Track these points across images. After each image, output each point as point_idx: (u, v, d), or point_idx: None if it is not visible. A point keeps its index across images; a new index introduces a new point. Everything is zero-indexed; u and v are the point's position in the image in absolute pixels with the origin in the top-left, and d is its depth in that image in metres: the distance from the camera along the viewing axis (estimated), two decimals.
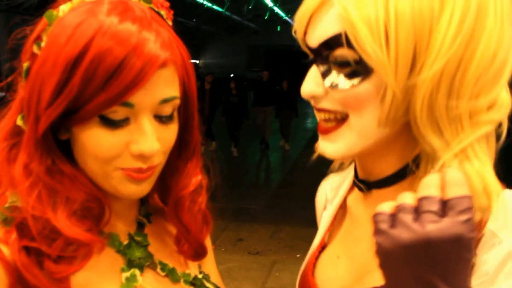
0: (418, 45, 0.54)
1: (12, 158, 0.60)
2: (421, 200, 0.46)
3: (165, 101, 0.59)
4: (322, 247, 0.81)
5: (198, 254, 0.76)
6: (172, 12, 0.67)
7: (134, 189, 0.63)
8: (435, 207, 0.45)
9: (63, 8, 0.59)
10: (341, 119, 0.62)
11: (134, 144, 0.59)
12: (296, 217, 5.24)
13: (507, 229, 0.55)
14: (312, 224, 0.96)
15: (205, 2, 19.41)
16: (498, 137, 0.58)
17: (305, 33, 0.62)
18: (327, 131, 0.63)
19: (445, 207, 0.45)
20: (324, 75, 0.60)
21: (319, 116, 0.64)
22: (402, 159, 0.63)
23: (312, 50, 0.62)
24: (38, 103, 0.57)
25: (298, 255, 4.24)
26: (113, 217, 0.66)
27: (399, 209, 0.47)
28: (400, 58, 0.54)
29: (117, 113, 0.57)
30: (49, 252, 0.57)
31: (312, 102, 0.64)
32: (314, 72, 0.62)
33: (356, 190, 0.75)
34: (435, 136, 0.55)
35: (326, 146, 0.64)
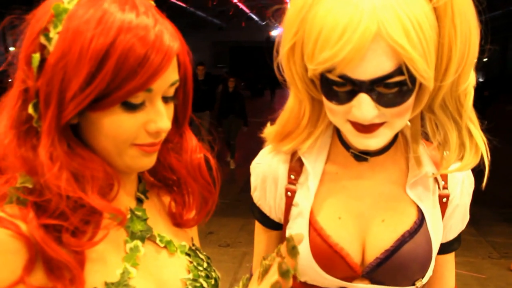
0: (439, 60, 0.74)
1: (29, 145, 0.64)
2: None
3: (172, 84, 0.69)
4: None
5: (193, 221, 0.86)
6: None
7: (147, 161, 0.72)
8: None
9: (67, 0, 0.63)
10: (382, 122, 0.77)
11: (152, 124, 0.68)
12: None
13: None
14: None
15: None
16: None
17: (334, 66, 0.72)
18: (370, 131, 0.78)
19: None
20: (379, 100, 0.74)
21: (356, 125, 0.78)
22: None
23: (357, 81, 0.72)
24: (61, 93, 0.62)
25: None
26: (118, 193, 0.73)
27: None
28: (435, 71, 0.75)
29: (138, 98, 0.65)
30: (67, 227, 0.63)
31: (365, 122, 0.76)
32: (366, 99, 0.73)
33: (338, 159, 0.92)
34: (445, 116, 0.81)
35: (370, 142, 0.79)
